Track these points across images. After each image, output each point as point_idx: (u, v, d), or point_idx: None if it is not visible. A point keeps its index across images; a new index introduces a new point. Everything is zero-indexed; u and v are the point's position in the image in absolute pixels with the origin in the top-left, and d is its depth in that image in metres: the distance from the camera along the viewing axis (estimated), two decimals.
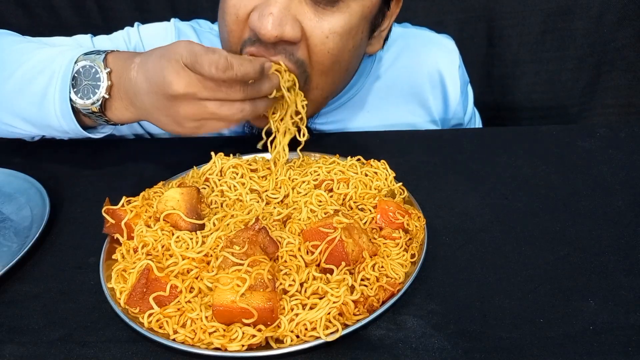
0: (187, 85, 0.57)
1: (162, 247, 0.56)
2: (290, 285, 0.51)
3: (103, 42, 0.89)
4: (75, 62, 0.66)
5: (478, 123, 1.06)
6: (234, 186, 0.65)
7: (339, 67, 0.70)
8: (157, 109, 0.61)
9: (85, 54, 0.66)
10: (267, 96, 0.63)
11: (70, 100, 0.65)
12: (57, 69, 0.66)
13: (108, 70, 0.64)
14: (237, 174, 0.67)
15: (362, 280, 0.53)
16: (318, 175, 0.66)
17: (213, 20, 0.97)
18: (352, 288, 0.52)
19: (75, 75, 0.65)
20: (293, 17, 0.63)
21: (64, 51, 0.68)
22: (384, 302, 0.52)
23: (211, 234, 0.57)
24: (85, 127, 0.70)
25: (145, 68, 0.61)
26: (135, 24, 0.91)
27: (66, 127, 0.68)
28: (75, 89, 0.65)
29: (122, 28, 0.98)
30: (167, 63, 0.58)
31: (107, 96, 0.64)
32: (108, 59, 0.65)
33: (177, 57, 0.57)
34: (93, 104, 0.65)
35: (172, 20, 0.91)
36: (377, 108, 0.90)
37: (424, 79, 0.91)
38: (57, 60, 0.67)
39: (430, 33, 0.96)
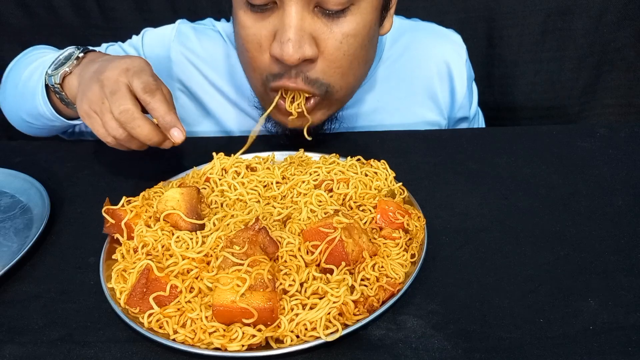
0: (111, 77, 0.64)
1: (162, 247, 0.56)
2: (290, 285, 0.51)
3: (116, 50, 0.92)
4: (66, 50, 0.75)
5: (481, 122, 1.07)
6: (234, 186, 0.65)
7: (357, 63, 0.72)
8: (86, 84, 0.67)
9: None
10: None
11: (47, 74, 0.73)
12: (47, 62, 0.75)
13: (82, 55, 0.73)
14: (238, 174, 0.67)
15: (362, 280, 0.53)
16: (318, 175, 0.66)
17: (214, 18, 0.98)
18: (352, 288, 0.52)
19: (61, 58, 0.73)
20: (309, 35, 0.66)
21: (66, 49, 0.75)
22: (384, 302, 0.52)
23: (211, 234, 0.57)
24: (69, 118, 0.79)
25: (108, 57, 0.70)
26: (143, 30, 0.93)
27: (47, 111, 0.76)
28: (53, 66, 0.73)
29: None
30: (119, 58, 0.67)
31: (68, 70, 0.72)
32: (92, 52, 0.74)
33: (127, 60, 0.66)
34: (58, 74, 0.72)
35: (178, 21, 0.93)
36: (387, 97, 0.91)
37: (432, 71, 0.93)
38: (49, 58, 0.76)
39: (438, 27, 0.97)
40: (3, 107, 0.90)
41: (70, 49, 0.74)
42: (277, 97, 0.72)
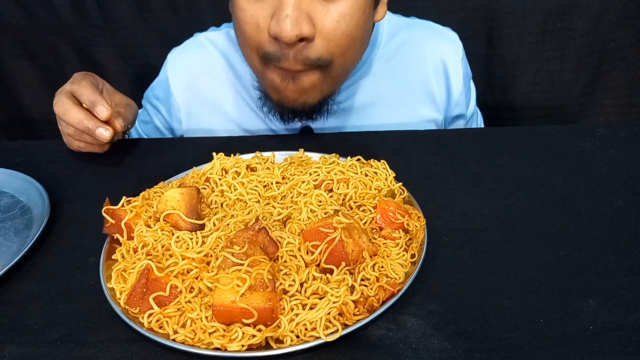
0: (56, 107, 0.74)
1: (162, 247, 0.56)
2: (290, 285, 0.51)
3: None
4: None
5: (480, 122, 1.07)
6: (234, 186, 0.65)
7: (354, 44, 0.74)
8: None
9: None
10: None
11: None
12: None
13: None
14: (238, 174, 0.67)
15: (362, 280, 0.53)
16: (318, 175, 0.66)
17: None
18: (352, 288, 0.52)
19: None
20: (306, 14, 0.68)
21: None
22: (384, 302, 0.52)
23: (211, 234, 0.57)
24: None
25: None
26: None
27: None
28: None
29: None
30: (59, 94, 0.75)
31: None
32: None
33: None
34: None
35: (169, 53, 0.98)
36: (382, 92, 0.92)
37: (428, 67, 0.93)
38: None
39: (435, 24, 0.98)
40: None
41: None
42: (273, 73, 0.74)
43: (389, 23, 0.92)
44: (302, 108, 0.78)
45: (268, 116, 0.84)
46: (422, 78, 0.93)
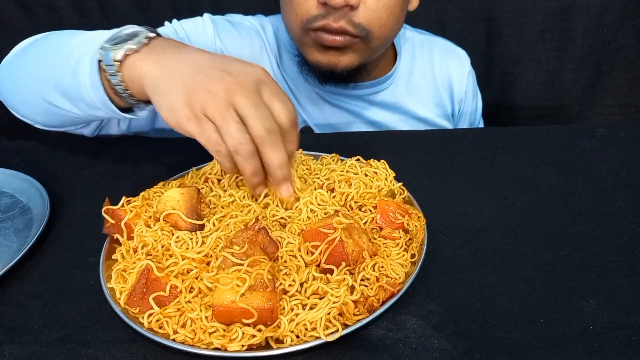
0: (249, 85, 0.55)
1: (162, 247, 0.56)
2: (290, 285, 0.51)
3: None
4: (125, 27, 0.63)
5: None
6: (232, 185, 0.65)
7: (393, 18, 0.81)
8: (189, 77, 0.56)
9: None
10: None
11: (102, 48, 0.61)
12: (100, 37, 0.63)
13: (153, 35, 0.61)
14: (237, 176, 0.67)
15: (362, 280, 0.53)
16: (318, 178, 0.66)
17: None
18: (352, 288, 0.52)
19: (122, 35, 0.61)
20: None
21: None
22: (384, 302, 0.52)
23: (211, 234, 0.57)
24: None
25: (200, 50, 0.60)
26: (173, 20, 0.93)
27: (94, 96, 0.63)
28: (110, 42, 0.61)
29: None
30: (234, 59, 0.58)
31: (135, 47, 0.59)
32: (160, 36, 0.63)
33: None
34: (120, 50, 0.59)
35: (205, 14, 0.94)
36: (402, 100, 0.99)
37: (437, 82, 1.02)
38: (103, 33, 0.64)
39: (447, 43, 1.06)
40: (8, 92, 0.77)
41: (132, 27, 0.62)
42: (314, 46, 0.81)
43: (410, 40, 1.01)
44: (340, 71, 0.83)
45: (307, 79, 0.89)
46: (434, 90, 1.01)
